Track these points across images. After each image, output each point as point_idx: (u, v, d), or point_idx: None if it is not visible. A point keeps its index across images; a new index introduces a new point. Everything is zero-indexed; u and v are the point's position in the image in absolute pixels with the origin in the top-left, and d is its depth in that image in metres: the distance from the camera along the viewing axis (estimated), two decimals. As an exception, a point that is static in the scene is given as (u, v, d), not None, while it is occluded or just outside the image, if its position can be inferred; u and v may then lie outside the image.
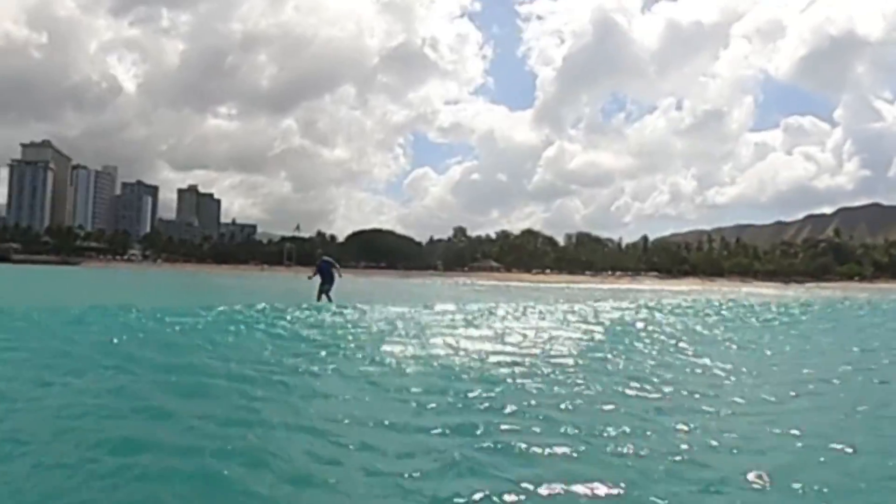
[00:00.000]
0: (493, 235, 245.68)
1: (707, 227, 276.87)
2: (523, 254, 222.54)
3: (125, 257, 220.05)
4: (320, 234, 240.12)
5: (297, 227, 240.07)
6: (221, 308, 19.10)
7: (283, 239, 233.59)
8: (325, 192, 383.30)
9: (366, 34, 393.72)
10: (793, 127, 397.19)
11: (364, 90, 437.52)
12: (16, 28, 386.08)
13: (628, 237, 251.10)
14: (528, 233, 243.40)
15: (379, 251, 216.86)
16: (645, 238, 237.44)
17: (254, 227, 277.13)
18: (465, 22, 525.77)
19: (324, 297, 27.93)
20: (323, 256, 30.83)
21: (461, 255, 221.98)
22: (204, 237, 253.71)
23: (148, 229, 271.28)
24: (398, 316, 19.53)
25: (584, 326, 20.01)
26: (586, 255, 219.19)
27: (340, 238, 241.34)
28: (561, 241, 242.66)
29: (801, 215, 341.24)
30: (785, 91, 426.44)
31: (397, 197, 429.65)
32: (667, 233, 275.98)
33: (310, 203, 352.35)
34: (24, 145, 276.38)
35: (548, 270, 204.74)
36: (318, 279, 29.10)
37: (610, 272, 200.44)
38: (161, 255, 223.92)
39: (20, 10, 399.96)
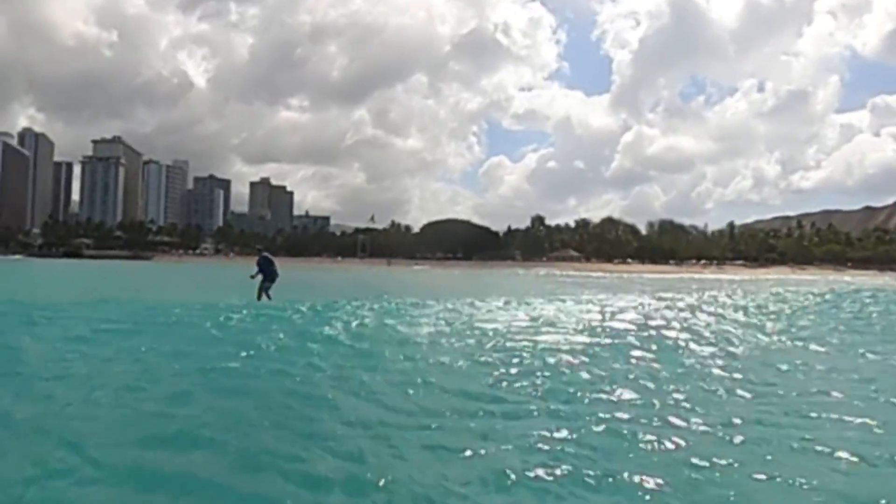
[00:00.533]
0: (572, 224, 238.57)
1: (792, 214, 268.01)
2: (604, 243, 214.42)
3: (197, 251, 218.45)
4: (395, 225, 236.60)
5: (372, 219, 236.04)
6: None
7: (357, 231, 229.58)
8: (398, 183, 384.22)
9: (437, 21, 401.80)
10: (880, 107, 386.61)
11: (436, 78, 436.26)
12: (86, 27, 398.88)
13: (711, 224, 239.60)
14: (609, 221, 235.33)
15: (455, 241, 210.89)
16: (731, 225, 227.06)
17: (327, 219, 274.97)
18: (538, 6, 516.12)
19: (264, 296, 24.50)
20: (262, 251, 27.21)
21: (539, 244, 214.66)
22: (277, 230, 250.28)
23: (220, 223, 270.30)
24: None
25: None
26: (669, 244, 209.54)
27: (415, 228, 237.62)
28: (643, 229, 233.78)
29: (891, 200, 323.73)
30: (872, 69, 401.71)
31: (472, 186, 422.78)
32: (750, 220, 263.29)
33: (384, 194, 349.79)
34: (95, 142, 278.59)
35: (629, 260, 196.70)
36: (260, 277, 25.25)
37: (694, 261, 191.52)
38: (233, 248, 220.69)
39: (90, 9, 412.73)
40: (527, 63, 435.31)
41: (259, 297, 23.92)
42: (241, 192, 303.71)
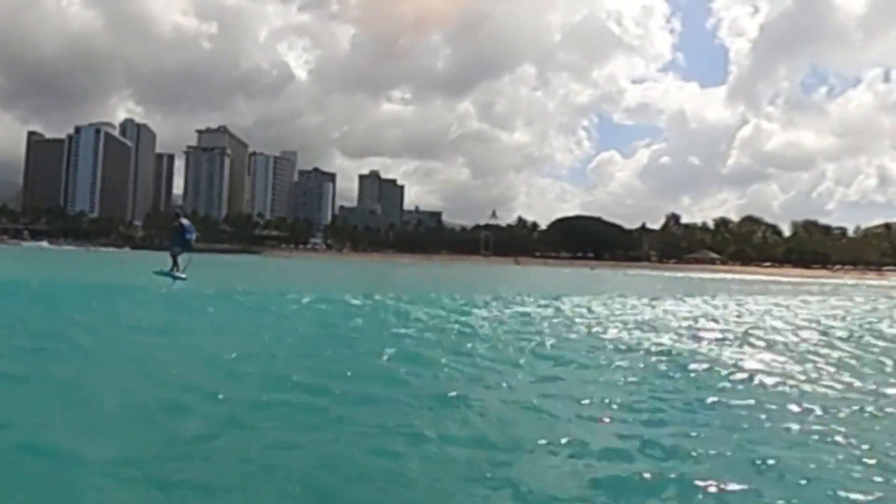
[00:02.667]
0: (711, 223, 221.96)
1: None
2: (746, 244, 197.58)
3: (308, 246, 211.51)
4: (521, 221, 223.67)
5: (494, 214, 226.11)
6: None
7: (478, 227, 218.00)
8: (504, 179, 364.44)
9: (547, 10, 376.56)
10: None
11: (545, 69, 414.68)
12: (185, 20, 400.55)
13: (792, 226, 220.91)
14: (750, 220, 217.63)
15: (584, 239, 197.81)
16: (887, 226, 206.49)
17: (439, 214, 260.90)
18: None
19: (177, 270, 24.53)
20: (180, 216, 26.91)
21: (676, 244, 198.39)
22: (388, 224, 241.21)
23: (328, 217, 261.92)
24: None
25: None
26: (820, 247, 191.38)
27: (542, 225, 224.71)
28: (786, 229, 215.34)
29: None
30: None
31: (581, 183, 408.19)
32: (875, 222, 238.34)
33: (489, 190, 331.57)
34: (199, 132, 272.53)
35: (767, 264, 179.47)
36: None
37: (846, 266, 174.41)
38: (345, 243, 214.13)
39: (188, 1, 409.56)
40: (639, 53, 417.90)
41: (175, 266, 24.38)
42: (344, 187, 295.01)
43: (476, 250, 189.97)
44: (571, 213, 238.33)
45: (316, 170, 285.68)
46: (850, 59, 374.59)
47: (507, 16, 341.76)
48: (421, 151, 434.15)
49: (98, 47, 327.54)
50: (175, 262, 24.26)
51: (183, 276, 24.11)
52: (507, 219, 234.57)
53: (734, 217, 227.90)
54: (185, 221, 25.45)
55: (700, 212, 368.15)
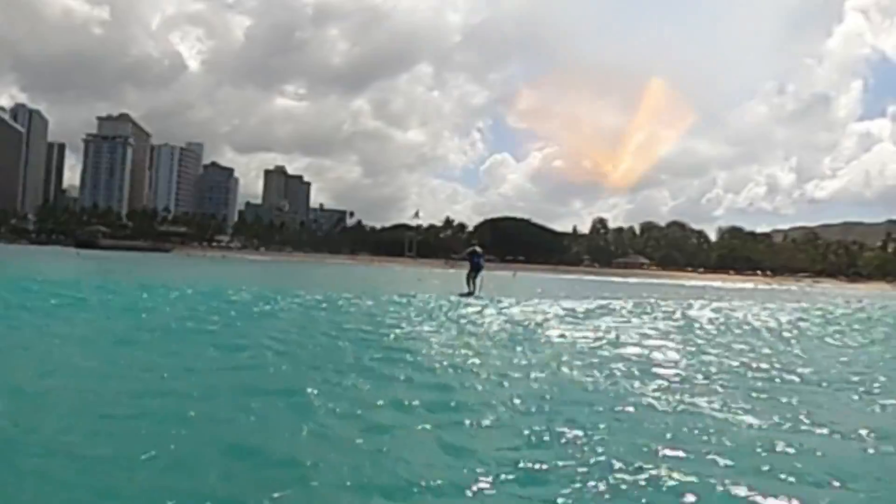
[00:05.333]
0: (637, 227, 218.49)
1: (810, 224, 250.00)
2: (675, 249, 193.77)
3: (222, 244, 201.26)
4: (448, 222, 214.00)
5: (417, 214, 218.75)
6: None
7: (402, 227, 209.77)
8: (397, 178, 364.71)
9: (448, 9, 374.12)
10: None
11: (442, 69, 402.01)
12: (76, 4, 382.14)
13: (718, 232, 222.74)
14: (676, 225, 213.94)
15: (514, 242, 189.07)
16: (814, 234, 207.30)
17: (344, 213, 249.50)
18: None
19: (474, 290, 29.90)
20: (474, 246, 32.51)
21: (606, 248, 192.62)
22: (300, 224, 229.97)
23: (234, 214, 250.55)
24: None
25: None
26: (756, 253, 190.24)
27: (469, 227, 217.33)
28: (712, 234, 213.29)
29: None
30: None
31: (473, 184, 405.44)
32: (762, 229, 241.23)
33: (381, 189, 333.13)
34: (100, 119, 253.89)
35: (700, 270, 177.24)
36: None
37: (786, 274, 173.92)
38: (253, 241, 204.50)
39: None
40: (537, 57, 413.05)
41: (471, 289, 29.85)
42: (242, 183, 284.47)
43: (399, 252, 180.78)
44: (463, 215, 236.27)
45: (214, 164, 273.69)
46: (746, 70, 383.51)
47: (408, 13, 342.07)
48: (313, 148, 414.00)
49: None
50: (471, 283, 29.67)
51: (481, 294, 28.37)
52: (398, 218, 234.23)
53: (623, 220, 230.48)
54: (478, 249, 31.25)
55: (590, 215, 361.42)
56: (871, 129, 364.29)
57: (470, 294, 28.14)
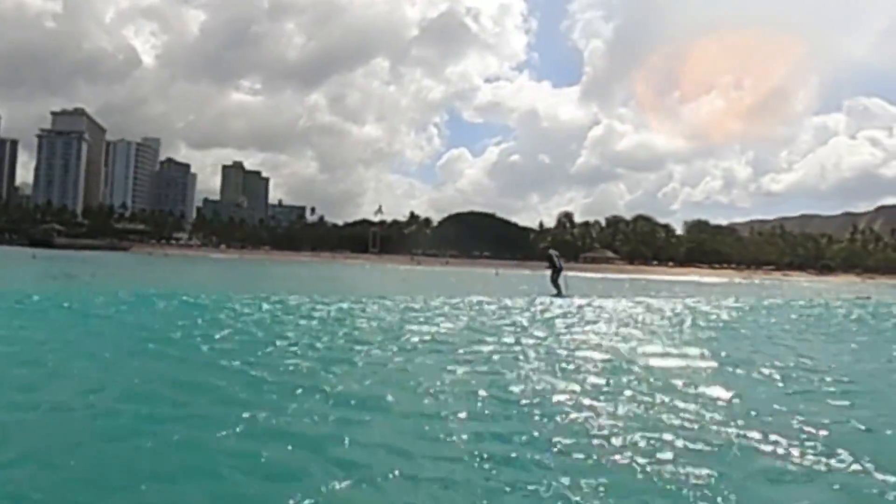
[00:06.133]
0: (603, 221, 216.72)
1: (768, 217, 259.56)
2: (642, 244, 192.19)
3: (181, 241, 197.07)
4: (413, 217, 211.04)
5: (379, 209, 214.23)
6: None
7: (365, 223, 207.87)
8: (353, 173, 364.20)
9: (405, 3, 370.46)
10: (857, 109, 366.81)
11: (398, 64, 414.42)
12: None
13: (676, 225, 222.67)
14: (642, 218, 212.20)
15: (480, 237, 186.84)
16: (781, 227, 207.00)
17: (303, 208, 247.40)
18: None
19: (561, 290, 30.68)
20: (551, 251, 34.32)
21: (573, 243, 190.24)
22: (259, 220, 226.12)
23: (192, 210, 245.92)
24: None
25: None
26: (726, 247, 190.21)
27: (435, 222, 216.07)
28: (679, 228, 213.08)
29: (868, 205, 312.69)
30: (855, 71, 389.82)
31: (430, 180, 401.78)
32: (719, 222, 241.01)
33: (336, 185, 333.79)
34: (54, 114, 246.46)
35: (670, 264, 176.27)
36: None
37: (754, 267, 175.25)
38: (212, 238, 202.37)
39: None
40: (494, 52, 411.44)
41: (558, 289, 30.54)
42: (199, 179, 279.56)
43: (363, 248, 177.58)
44: (419, 210, 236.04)
45: (170, 160, 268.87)
46: (703, 64, 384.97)
47: (364, 7, 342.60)
48: (268, 143, 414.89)
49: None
50: (556, 285, 30.51)
51: (568, 293, 29.35)
52: (355, 214, 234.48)
53: (579, 214, 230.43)
54: (554, 252, 32.75)
55: (546, 210, 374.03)
56: (827, 123, 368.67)
57: (559, 295, 28.78)
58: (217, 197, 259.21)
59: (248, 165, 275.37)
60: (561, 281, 30.80)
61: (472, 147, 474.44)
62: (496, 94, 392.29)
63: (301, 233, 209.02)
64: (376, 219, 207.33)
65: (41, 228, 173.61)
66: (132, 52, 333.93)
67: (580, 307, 22.34)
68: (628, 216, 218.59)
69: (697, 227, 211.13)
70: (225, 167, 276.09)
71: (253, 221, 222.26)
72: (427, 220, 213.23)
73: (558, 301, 25.02)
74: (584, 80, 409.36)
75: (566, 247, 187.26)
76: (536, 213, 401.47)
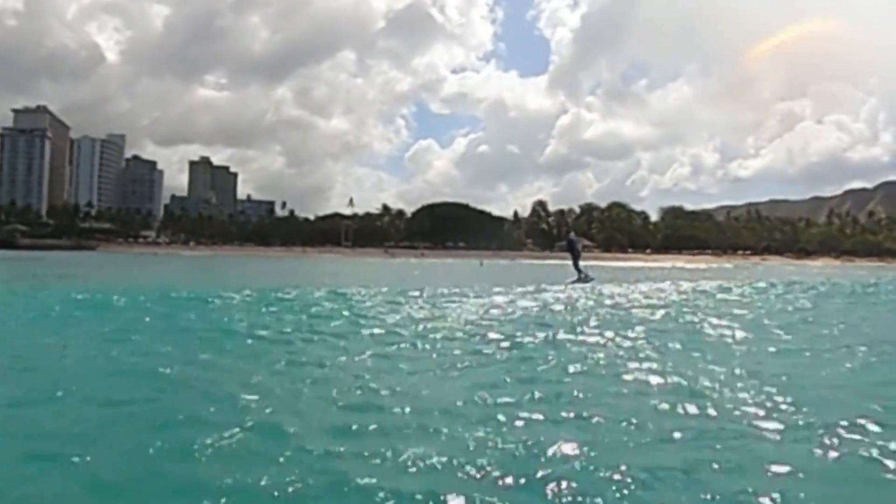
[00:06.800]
0: (577, 209, 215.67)
1: (736, 203, 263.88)
2: (618, 231, 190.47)
3: (149, 240, 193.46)
4: (386, 209, 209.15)
5: (351, 202, 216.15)
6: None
7: (337, 216, 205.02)
8: (321, 167, 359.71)
9: None
10: (823, 94, 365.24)
11: (365, 56, 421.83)
12: None
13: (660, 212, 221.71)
14: (617, 206, 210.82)
15: (455, 228, 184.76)
16: (757, 211, 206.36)
17: (272, 203, 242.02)
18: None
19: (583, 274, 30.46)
20: (570, 234, 35.65)
21: (548, 232, 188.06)
22: (228, 216, 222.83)
23: (160, 207, 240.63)
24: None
25: None
26: (703, 233, 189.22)
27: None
28: (654, 215, 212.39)
29: (835, 189, 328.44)
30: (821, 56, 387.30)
31: (398, 172, 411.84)
32: (689, 207, 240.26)
33: (304, 179, 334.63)
34: (16, 111, 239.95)
35: (648, 251, 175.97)
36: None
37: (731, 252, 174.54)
38: (181, 235, 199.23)
39: None
40: (461, 42, 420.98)
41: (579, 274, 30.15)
42: (166, 176, 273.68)
43: (335, 241, 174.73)
44: (389, 203, 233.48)
45: (136, 157, 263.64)
46: (670, 52, 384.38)
47: None
48: (235, 139, 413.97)
49: None
50: (578, 268, 30.07)
51: (592, 276, 29.84)
52: (324, 208, 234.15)
53: (549, 203, 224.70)
54: (573, 237, 33.40)
55: (515, 199, 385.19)
56: (793, 108, 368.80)
57: (581, 279, 28.85)
58: (184, 193, 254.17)
59: (215, 161, 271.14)
60: (580, 264, 30.60)
61: (440, 138, 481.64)
62: (463, 85, 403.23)
63: (271, 227, 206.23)
64: (348, 212, 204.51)
65: (4, 229, 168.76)
66: (95, 48, 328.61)
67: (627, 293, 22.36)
68: (600, 204, 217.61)
69: (672, 214, 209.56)
70: (192, 163, 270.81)
71: (222, 217, 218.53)
72: (400, 212, 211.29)
73: (599, 288, 24.91)
74: (552, 69, 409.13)
75: (542, 235, 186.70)
76: (506, 202, 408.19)
